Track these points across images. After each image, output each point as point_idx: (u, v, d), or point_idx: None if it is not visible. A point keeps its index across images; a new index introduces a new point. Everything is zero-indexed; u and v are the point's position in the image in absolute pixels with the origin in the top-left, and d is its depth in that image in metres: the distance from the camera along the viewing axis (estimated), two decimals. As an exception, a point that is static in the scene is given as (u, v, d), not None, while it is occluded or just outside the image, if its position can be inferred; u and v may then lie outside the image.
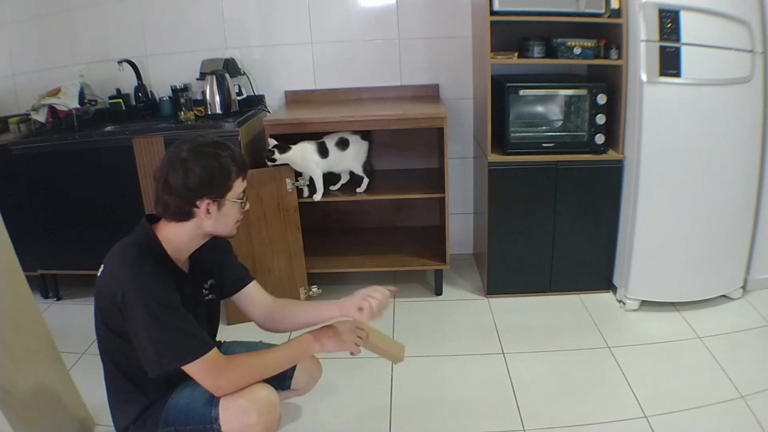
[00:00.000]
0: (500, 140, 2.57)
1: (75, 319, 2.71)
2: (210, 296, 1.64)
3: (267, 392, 1.45)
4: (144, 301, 1.34)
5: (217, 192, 1.40)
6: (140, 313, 1.34)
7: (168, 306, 1.36)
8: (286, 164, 2.50)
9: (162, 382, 1.48)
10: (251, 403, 1.40)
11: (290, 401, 1.95)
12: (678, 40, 2.24)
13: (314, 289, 2.70)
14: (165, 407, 1.47)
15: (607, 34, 2.47)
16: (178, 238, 1.47)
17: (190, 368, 1.36)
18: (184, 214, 1.41)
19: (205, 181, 1.37)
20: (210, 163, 1.37)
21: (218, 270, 1.65)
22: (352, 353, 1.56)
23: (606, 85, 2.46)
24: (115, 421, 1.55)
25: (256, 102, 3.00)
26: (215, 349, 1.40)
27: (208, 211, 1.41)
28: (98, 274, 1.44)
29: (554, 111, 2.71)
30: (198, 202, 1.40)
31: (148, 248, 1.45)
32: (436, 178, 2.80)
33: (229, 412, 1.40)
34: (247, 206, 1.51)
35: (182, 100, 2.89)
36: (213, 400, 1.42)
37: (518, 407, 1.97)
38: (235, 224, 1.49)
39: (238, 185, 1.44)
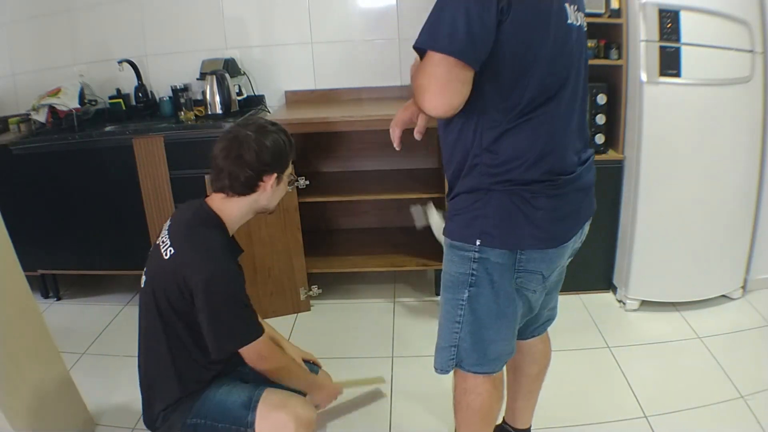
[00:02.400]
0: (500, 140, 2.56)
1: (75, 319, 2.71)
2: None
3: (307, 411, 1.49)
4: (218, 286, 1.40)
5: (282, 167, 1.52)
6: (213, 297, 1.39)
7: (240, 290, 1.45)
8: None
9: (209, 375, 1.51)
10: (290, 418, 1.43)
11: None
12: (678, 40, 2.24)
13: (314, 289, 2.70)
14: (199, 399, 1.48)
15: (607, 34, 2.47)
16: (236, 212, 1.53)
17: (243, 350, 1.46)
18: (249, 187, 1.49)
19: (276, 156, 1.49)
20: (280, 138, 1.51)
21: None
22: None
23: (606, 85, 2.46)
24: (145, 407, 1.55)
25: (256, 102, 3.00)
26: (265, 335, 1.49)
27: (271, 186, 1.51)
28: (165, 256, 1.44)
29: (554, 111, 2.70)
30: (265, 177, 1.49)
31: (214, 226, 1.50)
32: (436, 178, 2.80)
33: (266, 422, 1.43)
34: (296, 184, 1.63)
35: (182, 100, 2.89)
36: (251, 404, 1.45)
37: (518, 407, 1.97)
38: (279, 199, 1.61)
39: (289, 165, 1.57)
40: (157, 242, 1.51)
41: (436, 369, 1.44)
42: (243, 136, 1.47)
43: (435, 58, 1.13)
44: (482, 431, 1.49)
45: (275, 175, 1.50)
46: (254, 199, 1.51)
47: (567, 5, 1.21)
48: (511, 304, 1.34)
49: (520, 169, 1.21)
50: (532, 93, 1.17)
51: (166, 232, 1.49)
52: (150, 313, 1.47)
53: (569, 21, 1.21)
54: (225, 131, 1.53)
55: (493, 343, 1.38)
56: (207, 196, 1.55)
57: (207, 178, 1.76)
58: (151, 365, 1.53)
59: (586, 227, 1.44)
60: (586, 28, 1.33)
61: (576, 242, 1.43)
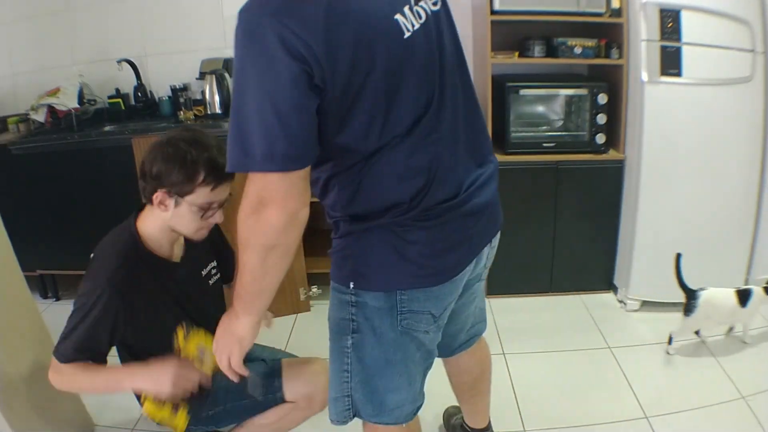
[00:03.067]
0: (501, 140, 2.56)
1: (74, 320, 2.71)
2: (217, 277, 1.63)
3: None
4: (81, 290, 1.38)
5: (175, 189, 1.34)
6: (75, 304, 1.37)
7: (86, 307, 1.35)
8: None
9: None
10: (321, 369, 1.50)
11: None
12: (679, 39, 2.23)
13: (314, 289, 2.69)
14: (211, 390, 1.44)
15: (608, 34, 2.47)
16: (151, 224, 1.45)
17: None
18: (147, 198, 1.40)
19: (162, 173, 1.33)
20: (175, 157, 1.32)
21: (217, 252, 1.65)
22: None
23: (607, 85, 2.45)
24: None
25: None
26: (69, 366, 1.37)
27: (162, 203, 1.37)
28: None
29: (555, 111, 2.70)
30: (156, 192, 1.36)
31: (124, 244, 1.45)
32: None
33: (298, 381, 1.50)
34: (216, 219, 1.41)
35: (182, 100, 2.89)
36: (275, 372, 1.50)
37: (518, 407, 1.97)
38: (198, 230, 1.42)
39: (203, 193, 1.34)
40: None
41: (332, 421, 1.29)
42: (155, 143, 1.38)
43: (258, 178, 0.94)
44: None
45: (163, 191, 1.34)
46: (162, 215, 1.40)
47: (399, 17, 1.01)
48: (399, 349, 1.19)
49: (387, 201, 1.07)
50: (384, 131, 1.01)
51: None
52: None
53: (407, 35, 1.01)
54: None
55: (390, 393, 1.24)
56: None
57: None
58: None
59: (495, 242, 1.29)
60: (438, 7, 1.16)
61: (479, 265, 1.27)
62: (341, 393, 1.26)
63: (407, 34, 1.02)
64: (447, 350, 1.49)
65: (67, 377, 1.39)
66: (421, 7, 1.08)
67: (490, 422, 1.76)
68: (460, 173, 1.14)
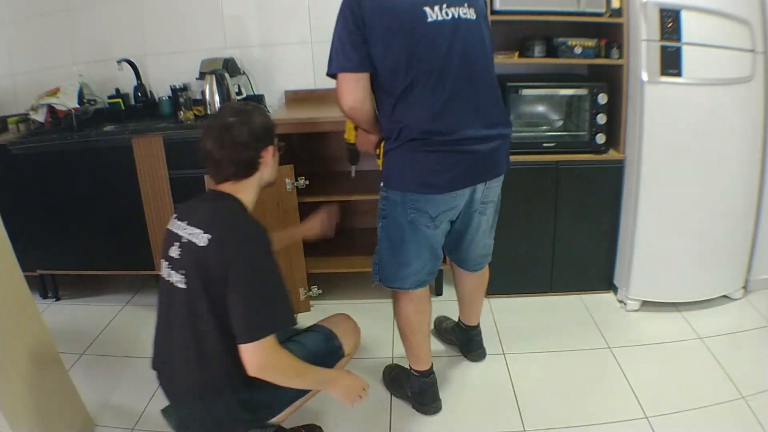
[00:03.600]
0: (501, 140, 2.56)
1: (74, 320, 2.71)
2: None
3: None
4: (263, 263, 1.43)
5: (273, 138, 1.58)
6: (256, 273, 1.41)
7: (278, 268, 1.46)
8: (289, 164, 2.48)
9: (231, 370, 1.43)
10: (353, 324, 1.79)
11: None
12: (679, 39, 2.23)
13: (314, 289, 2.69)
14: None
15: (608, 34, 2.47)
16: (249, 195, 1.56)
17: (261, 341, 1.38)
18: (252, 167, 1.53)
19: (266, 129, 1.55)
20: (259, 113, 1.56)
21: None
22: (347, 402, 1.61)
23: (607, 85, 2.45)
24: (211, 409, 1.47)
25: (255, 101, 2.99)
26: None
27: (272, 156, 1.57)
28: (201, 243, 1.41)
29: (555, 111, 2.70)
30: (263, 152, 1.53)
31: (242, 209, 1.52)
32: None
33: (347, 338, 1.72)
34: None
35: (182, 100, 2.88)
36: (329, 335, 1.69)
37: (518, 407, 1.97)
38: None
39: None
40: (178, 234, 1.48)
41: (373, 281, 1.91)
42: (228, 123, 1.49)
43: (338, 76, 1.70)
44: (409, 338, 1.92)
45: (271, 147, 1.55)
46: (259, 177, 1.56)
47: (427, 8, 1.61)
48: (409, 232, 1.75)
49: (406, 130, 1.65)
50: (403, 82, 1.63)
51: (190, 223, 1.47)
52: (182, 308, 1.45)
53: (430, 19, 1.61)
54: (206, 128, 1.53)
55: (405, 265, 1.81)
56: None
57: (206, 177, 1.76)
58: (204, 363, 1.45)
59: (491, 184, 1.80)
60: (473, 17, 1.69)
61: (475, 197, 1.78)
62: (375, 260, 1.89)
63: (430, 19, 1.61)
64: (464, 263, 2.05)
65: (283, 355, 1.45)
66: (453, 11, 1.64)
67: (479, 324, 2.24)
68: (461, 123, 1.66)
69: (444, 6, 1.63)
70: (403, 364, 2.10)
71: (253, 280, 1.40)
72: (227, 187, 1.54)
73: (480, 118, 1.70)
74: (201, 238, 1.42)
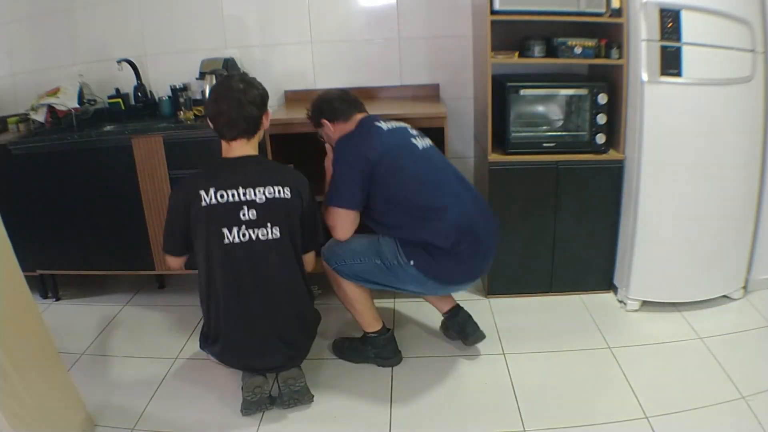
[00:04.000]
0: (501, 140, 2.56)
1: (74, 320, 2.71)
2: None
3: None
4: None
5: (267, 105, 1.96)
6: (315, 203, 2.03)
7: None
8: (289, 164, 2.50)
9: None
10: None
11: (288, 408, 1.95)
12: (679, 39, 2.23)
13: (314, 289, 2.68)
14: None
15: (608, 34, 2.47)
16: (257, 151, 1.97)
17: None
18: (258, 125, 1.92)
19: (265, 96, 1.95)
20: (260, 84, 1.95)
21: None
22: None
23: (607, 85, 2.45)
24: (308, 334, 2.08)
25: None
26: None
27: (268, 121, 1.97)
28: (287, 197, 1.88)
29: (555, 111, 2.70)
30: (264, 116, 1.94)
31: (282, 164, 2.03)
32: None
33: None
34: None
35: (182, 100, 2.89)
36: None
37: (518, 407, 1.97)
38: None
39: None
40: (247, 199, 1.83)
41: None
42: (239, 88, 1.86)
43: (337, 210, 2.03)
44: (357, 307, 2.16)
45: (268, 112, 1.96)
46: (259, 137, 1.95)
47: (412, 140, 2.08)
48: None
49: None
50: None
51: (254, 186, 1.84)
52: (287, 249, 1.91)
53: (419, 148, 2.07)
54: (217, 93, 1.90)
55: (361, 270, 2.11)
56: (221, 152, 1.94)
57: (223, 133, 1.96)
58: (298, 302, 1.98)
59: None
60: (428, 145, 2.13)
61: None
62: (336, 251, 2.14)
63: (421, 147, 2.09)
64: None
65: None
66: (420, 140, 2.10)
67: (458, 305, 2.31)
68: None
69: (416, 136, 2.08)
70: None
71: (316, 208, 2.03)
72: (243, 148, 1.91)
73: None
74: (285, 192, 1.87)
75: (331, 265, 2.09)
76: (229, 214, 1.83)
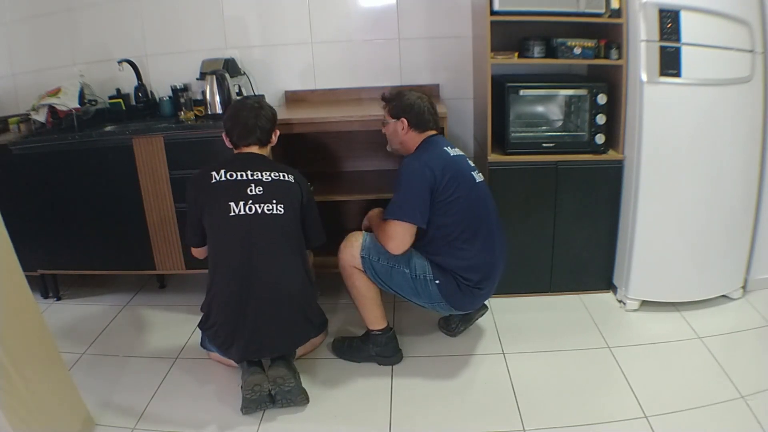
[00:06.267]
0: (500, 140, 2.57)
1: (75, 319, 2.71)
2: None
3: None
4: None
5: (276, 125, 2.18)
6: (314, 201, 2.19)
7: None
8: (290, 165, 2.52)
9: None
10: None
11: (287, 407, 1.96)
12: (678, 40, 2.24)
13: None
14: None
15: (608, 34, 2.47)
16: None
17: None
18: (269, 137, 2.14)
19: (276, 116, 2.18)
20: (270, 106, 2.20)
21: None
22: None
23: (606, 85, 2.46)
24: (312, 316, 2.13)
25: (256, 102, 3.00)
26: None
27: (276, 138, 2.18)
28: (291, 181, 2.07)
29: (554, 111, 2.71)
30: (273, 132, 2.16)
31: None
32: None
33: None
34: None
35: (182, 100, 2.89)
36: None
37: (518, 407, 1.97)
38: None
39: None
40: (254, 178, 2.00)
41: None
42: (254, 105, 2.12)
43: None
44: (366, 305, 2.19)
45: (277, 131, 2.18)
46: (267, 149, 2.15)
47: (473, 173, 2.12)
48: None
49: None
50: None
51: (261, 170, 2.03)
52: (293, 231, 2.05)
53: (477, 180, 2.13)
54: (237, 109, 2.11)
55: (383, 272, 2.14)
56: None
57: (238, 138, 2.13)
58: (300, 284, 2.04)
59: None
60: (481, 180, 2.15)
61: None
62: (363, 254, 2.15)
63: (478, 180, 2.13)
64: None
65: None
66: (477, 174, 2.14)
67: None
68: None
69: (476, 170, 2.15)
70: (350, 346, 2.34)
71: (315, 207, 2.18)
72: (253, 150, 2.10)
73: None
74: (288, 177, 2.06)
75: (363, 256, 2.09)
76: (237, 188, 1.98)
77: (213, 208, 2.00)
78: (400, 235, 2.00)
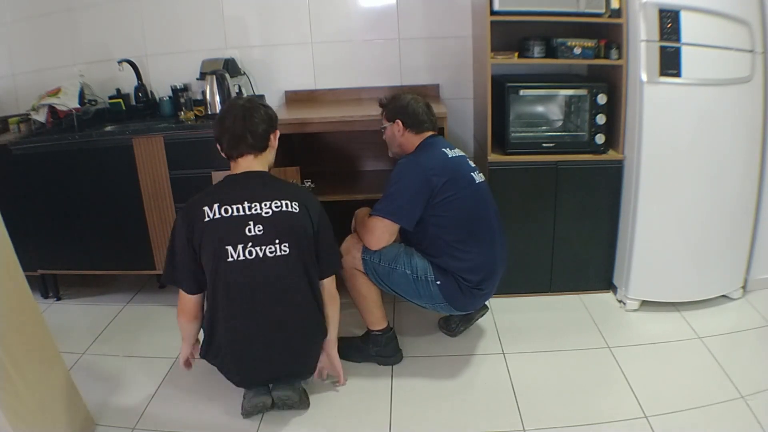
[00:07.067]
0: (500, 140, 2.57)
1: (75, 319, 2.71)
2: None
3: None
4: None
5: (276, 126, 1.92)
6: (326, 219, 1.92)
7: None
8: (292, 166, 2.51)
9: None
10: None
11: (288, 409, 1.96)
12: (678, 40, 2.24)
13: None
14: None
15: (608, 34, 2.47)
16: (268, 168, 1.93)
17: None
18: (266, 141, 1.87)
19: (273, 116, 1.91)
20: (267, 105, 1.94)
21: None
22: None
23: (606, 85, 2.46)
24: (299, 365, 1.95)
25: (256, 102, 3.00)
26: None
27: (276, 141, 1.92)
28: (295, 211, 1.81)
29: (554, 111, 2.71)
30: (272, 134, 1.89)
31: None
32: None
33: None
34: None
35: (182, 100, 2.89)
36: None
37: (518, 407, 1.97)
38: None
39: None
40: (252, 214, 1.75)
41: None
42: (243, 105, 1.84)
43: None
44: (367, 305, 2.19)
45: (277, 131, 1.92)
46: (267, 155, 1.90)
47: (473, 173, 2.10)
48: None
49: None
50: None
51: (261, 201, 1.77)
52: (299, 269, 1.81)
53: (477, 181, 2.11)
54: (223, 112, 1.88)
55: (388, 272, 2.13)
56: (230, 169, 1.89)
57: (233, 152, 1.91)
58: (306, 316, 1.87)
59: None
60: (482, 180, 2.14)
61: None
62: (365, 256, 2.13)
63: (478, 181, 2.11)
64: None
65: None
66: (477, 175, 2.12)
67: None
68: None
69: (476, 170, 2.12)
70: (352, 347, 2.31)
71: (330, 229, 1.92)
72: (250, 164, 1.85)
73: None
74: (293, 206, 1.80)
75: (364, 258, 2.08)
76: (233, 230, 1.75)
77: (208, 252, 1.76)
78: (379, 231, 1.99)
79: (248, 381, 1.92)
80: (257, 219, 1.75)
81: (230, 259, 1.74)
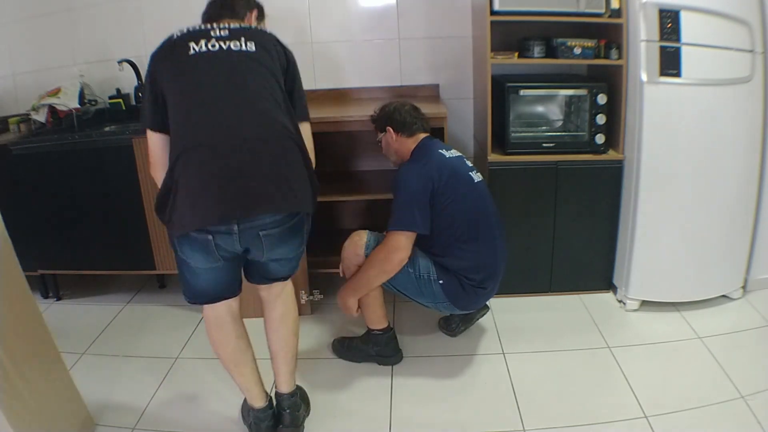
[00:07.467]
0: (500, 140, 2.57)
1: (75, 319, 2.71)
2: None
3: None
4: None
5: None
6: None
7: None
8: None
9: None
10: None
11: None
12: (678, 40, 2.24)
13: (315, 293, 2.68)
14: None
15: (608, 34, 2.47)
16: None
17: None
18: (246, 12, 1.86)
19: (261, 6, 2.00)
20: None
21: None
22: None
23: (606, 85, 2.46)
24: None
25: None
26: None
27: (253, 17, 1.90)
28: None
29: (554, 111, 2.71)
30: (251, 11, 1.91)
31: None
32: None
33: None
34: None
35: (182, 100, 2.89)
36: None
37: (518, 407, 1.97)
38: None
39: None
40: (192, 31, 1.60)
41: None
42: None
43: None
44: (371, 303, 2.18)
45: (255, 11, 1.94)
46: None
47: (471, 173, 2.12)
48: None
49: None
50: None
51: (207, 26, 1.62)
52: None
53: (476, 180, 2.12)
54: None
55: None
56: None
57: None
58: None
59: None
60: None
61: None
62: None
63: (476, 180, 2.12)
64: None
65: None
66: (475, 174, 2.14)
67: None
68: None
69: (470, 166, 2.14)
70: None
71: (300, 82, 1.75)
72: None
73: None
74: (269, 33, 1.70)
75: (367, 257, 2.08)
76: (196, 33, 1.59)
77: (167, 61, 1.58)
78: (403, 245, 1.99)
79: (213, 209, 1.50)
80: (224, 29, 1.61)
81: (192, 52, 1.55)
